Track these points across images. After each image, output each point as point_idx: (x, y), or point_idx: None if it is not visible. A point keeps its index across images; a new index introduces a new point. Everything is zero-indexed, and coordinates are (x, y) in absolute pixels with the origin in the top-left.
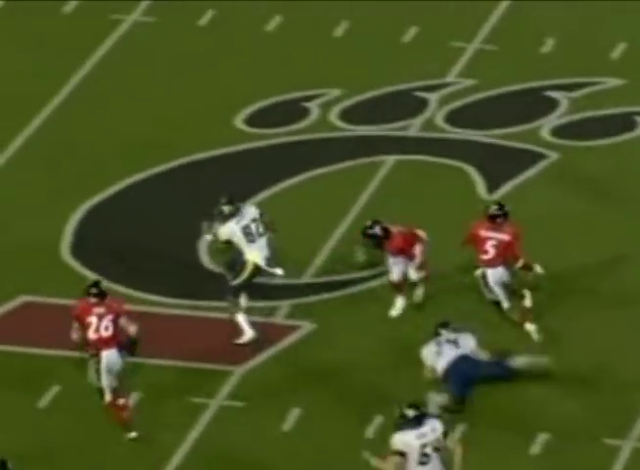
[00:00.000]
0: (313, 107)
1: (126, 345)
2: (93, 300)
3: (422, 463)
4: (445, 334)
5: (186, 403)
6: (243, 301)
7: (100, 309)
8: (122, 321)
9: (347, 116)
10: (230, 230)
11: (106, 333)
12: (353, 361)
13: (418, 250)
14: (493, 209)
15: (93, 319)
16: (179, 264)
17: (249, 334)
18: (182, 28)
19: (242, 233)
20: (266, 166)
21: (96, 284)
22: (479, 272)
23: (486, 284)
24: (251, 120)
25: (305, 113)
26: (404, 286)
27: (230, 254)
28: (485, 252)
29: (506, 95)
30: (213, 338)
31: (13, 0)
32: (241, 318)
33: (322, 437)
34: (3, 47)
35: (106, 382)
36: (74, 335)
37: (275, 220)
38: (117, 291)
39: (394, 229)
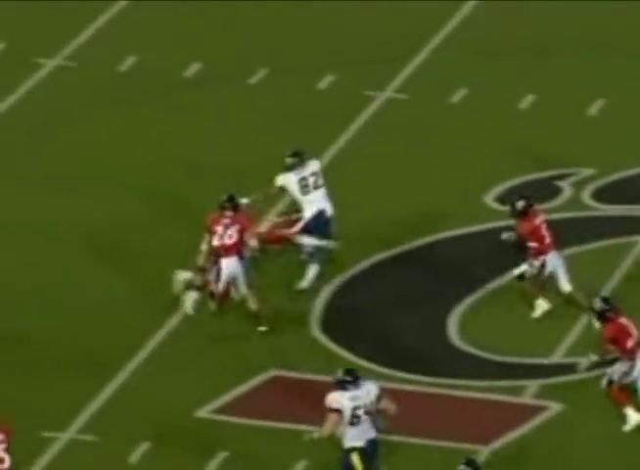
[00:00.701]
0: (565, 186)
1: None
2: (224, 212)
3: (352, 424)
4: None
5: None
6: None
7: (227, 220)
8: (247, 235)
9: (600, 195)
10: (287, 179)
11: (229, 241)
12: (603, 446)
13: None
14: (521, 205)
15: (219, 228)
16: (428, 341)
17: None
18: (434, 105)
19: (298, 184)
20: None
21: (230, 198)
22: (533, 264)
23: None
24: (502, 198)
25: (558, 191)
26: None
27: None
28: (545, 237)
29: None
30: (461, 416)
31: (269, 75)
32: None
33: None
34: (261, 121)
35: (221, 288)
36: (204, 246)
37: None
38: (366, 367)
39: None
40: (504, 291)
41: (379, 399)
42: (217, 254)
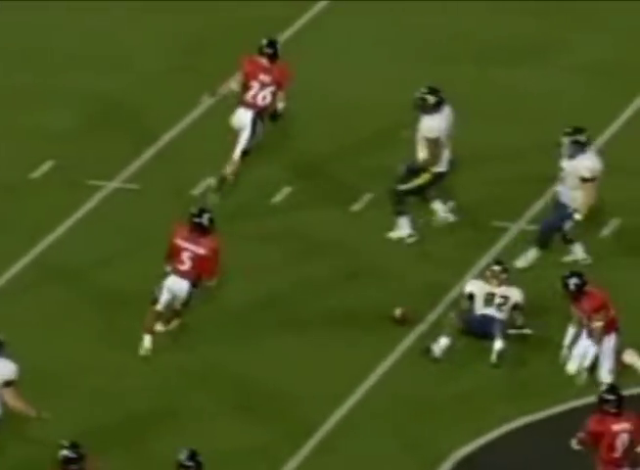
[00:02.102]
0: None
1: (271, 115)
2: (264, 60)
3: None
4: None
5: None
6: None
7: (265, 77)
8: (280, 94)
9: None
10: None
11: (262, 102)
12: None
13: None
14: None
15: (255, 85)
16: None
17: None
18: None
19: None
20: None
21: (271, 43)
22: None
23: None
24: None
25: None
26: None
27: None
28: (182, 262)
29: None
30: None
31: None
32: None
33: None
34: None
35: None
36: (233, 84)
37: None
38: None
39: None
40: None
41: None
42: (245, 105)
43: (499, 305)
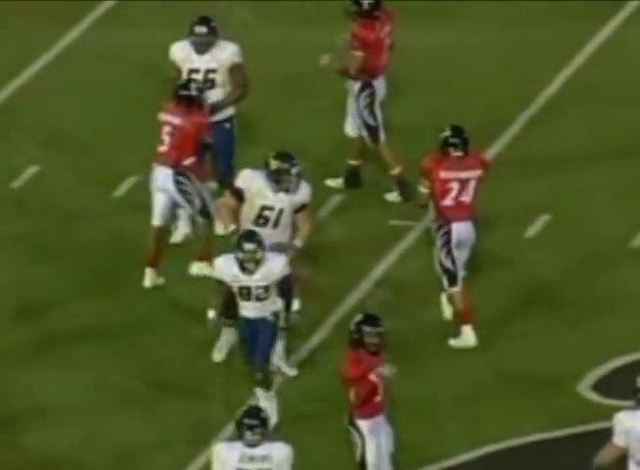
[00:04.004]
0: None
1: None
2: None
3: None
4: None
5: None
6: None
7: None
8: None
9: None
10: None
11: None
12: None
13: None
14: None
15: None
16: None
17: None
18: None
19: None
20: None
21: None
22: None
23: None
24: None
25: None
26: None
27: None
28: (162, 142)
29: None
30: None
31: None
32: None
33: None
34: None
35: None
36: None
37: None
38: None
39: None
40: None
41: None
42: None
43: (259, 298)
